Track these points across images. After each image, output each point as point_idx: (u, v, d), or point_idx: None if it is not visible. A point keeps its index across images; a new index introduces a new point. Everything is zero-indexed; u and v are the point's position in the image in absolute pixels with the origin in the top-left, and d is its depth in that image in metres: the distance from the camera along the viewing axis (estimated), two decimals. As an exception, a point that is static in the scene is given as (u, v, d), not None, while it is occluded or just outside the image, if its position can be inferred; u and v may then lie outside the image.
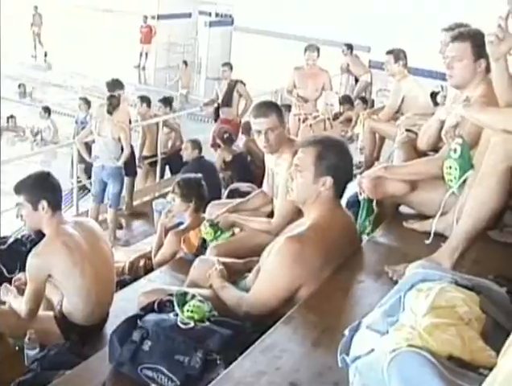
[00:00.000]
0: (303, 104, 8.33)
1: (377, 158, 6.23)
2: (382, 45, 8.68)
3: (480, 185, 2.79)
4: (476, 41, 3.40)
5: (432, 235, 3.20)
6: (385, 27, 13.35)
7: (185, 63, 18.21)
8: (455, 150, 3.02)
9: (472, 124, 3.11)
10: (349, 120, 9.25)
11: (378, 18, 13.71)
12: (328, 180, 2.92)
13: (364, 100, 10.54)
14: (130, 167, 8.25)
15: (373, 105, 10.83)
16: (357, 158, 7.09)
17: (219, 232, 4.23)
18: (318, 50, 8.40)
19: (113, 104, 7.58)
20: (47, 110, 14.36)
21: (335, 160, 2.94)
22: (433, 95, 7.95)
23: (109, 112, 7.56)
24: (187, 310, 2.80)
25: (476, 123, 3.05)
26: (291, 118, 8.24)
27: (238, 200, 4.70)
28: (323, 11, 14.57)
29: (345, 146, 3.10)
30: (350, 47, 12.36)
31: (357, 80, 12.59)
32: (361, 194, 3.54)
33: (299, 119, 7.94)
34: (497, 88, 2.96)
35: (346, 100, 10.44)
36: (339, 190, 3.00)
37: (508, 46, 2.83)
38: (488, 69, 3.28)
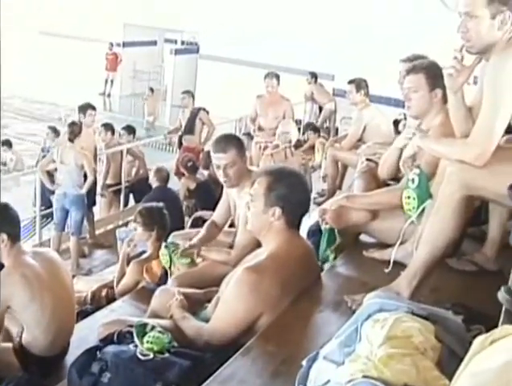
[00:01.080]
0: (263, 132, 8.37)
1: (340, 187, 6.29)
2: (346, 73, 8.79)
3: (436, 214, 2.83)
4: (430, 72, 3.49)
5: (392, 263, 3.22)
6: (349, 55, 13.50)
7: (151, 90, 18.23)
8: (413, 180, 3.06)
9: (429, 154, 3.17)
10: (313, 147, 9.33)
11: (342, 46, 13.86)
12: (277, 210, 2.95)
13: (315, 129, 10.59)
14: (89, 196, 8.21)
15: (337, 133, 10.95)
16: (320, 186, 7.17)
17: (174, 255, 4.18)
18: (278, 77, 8.43)
19: (74, 132, 7.56)
20: (7, 143, 14.19)
21: (284, 191, 2.97)
22: (396, 123, 8.07)
23: (71, 140, 7.54)
24: (147, 341, 2.79)
25: (432, 153, 3.11)
26: (252, 146, 8.27)
27: (195, 231, 4.71)
28: (287, 39, 14.69)
29: (298, 177, 3.14)
30: (314, 75, 12.47)
31: (321, 109, 12.68)
32: (322, 222, 3.57)
33: (260, 147, 7.97)
34: (454, 119, 3.01)
35: (310, 128, 10.53)
36: (292, 220, 3.02)
37: (465, 78, 2.89)
38: (445, 99, 3.34)
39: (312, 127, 10.65)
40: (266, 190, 2.97)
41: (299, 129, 10.85)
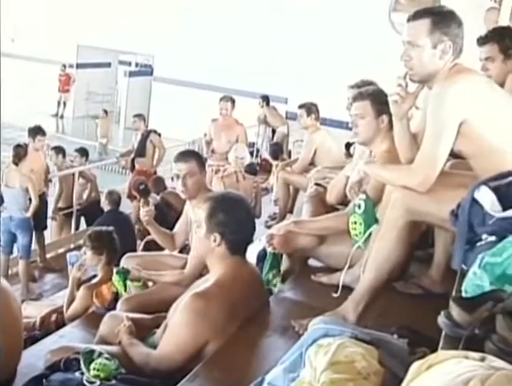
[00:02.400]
0: (215, 155, 8.39)
1: (291, 210, 6.33)
2: (300, 96, 8.86)
3: (381, 240, 2.88)
4: (376, 99, 3.55)
5: (340, 288, 3.26)
6: (302, 78, 13.62)
7: (105, 112, 18.12)
8: (359, 206, 3.11)
9: (375, 179, 3.22)
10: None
11: (296, 69, 13.98)
12: (218, 237, 2.96)
13: (273, 152, 10.63)
14: (39, 219, 8.12)
15: (290, 156, 11.01)
16: (272, 209, 7.21)
17: (127, 280, 4.18)
18: (233, 101, 8.48)
19: (19, 155, 7.50)
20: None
21: (223, 217, 2.97)
22: (348, 145, 8.16)
23: (15, 163, 7.47)
24: (94, 369, 2.77)
25: (377, 179, 3.17)
26: (207, 169, 8.28)
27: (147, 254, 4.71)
28: (242, 62, 14.77)
29: (240, 203, 3.14)
30: (266, 98, 12.55)
31: (274, 132, 12.76)
32: (269, 247, 3.59)
33: (212, 170, 8.00)
34: (399, 146, 3.07)
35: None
36: (234, 246, 3.02)
37: (409, 104, 2.96)
38: (391, 125, 3.39)
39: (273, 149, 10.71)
40: (207, 216, 2.99)
41: (251, 152, 10.93)
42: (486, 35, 4.07)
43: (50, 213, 9.04)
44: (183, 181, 4.04)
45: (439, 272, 3.38)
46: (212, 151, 8.48)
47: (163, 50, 16.63)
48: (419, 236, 3.54)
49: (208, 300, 2.82)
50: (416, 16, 2.84)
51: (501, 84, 3.91)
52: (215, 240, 2.97)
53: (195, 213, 4.02)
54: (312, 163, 6.52)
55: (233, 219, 3.02)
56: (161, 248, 4.97)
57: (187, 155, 4.17)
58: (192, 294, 2.87)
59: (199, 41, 15.54)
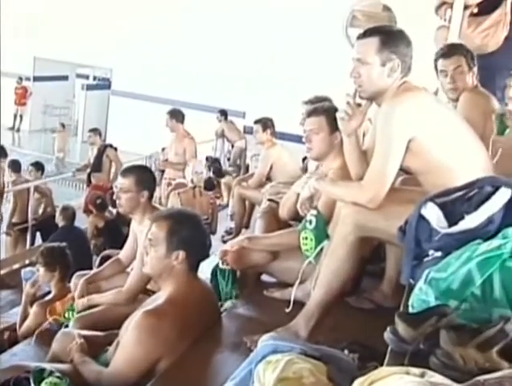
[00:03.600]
0: (169, 168, 8.39)
1: (247, 225, 6.33)
2: (257, 110, 8.90)
3: (331, 255, 2.90)
4: (330, 115, 3.58)
5: (292, 303, 3.27)
6: (260, 93, 13.67)
7: (62, 125, 17.96)
8: (310, 222, 3.14)
9: (326, 196, 3.25)
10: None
11: (254, 83, 14.03)
12: (181, 254, 2.95)
13: (215, 170, 10.69)
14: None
15: (247, 171, 11.03)
16: (229, 224, 7.21)
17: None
18: (182, 115, 8.49)
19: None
20: None
21: (187, 234, 2.98)
22: (305, 160, 8.21)
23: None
24: (44, 388, 2.74)
25: (328, 195, 3.20)
26: (162, 182, 8.27)
27: (93, 271, 4.68)
28: (201, 76, 14.78)
29: (198, 219, 3.17)
30: (224, 113, 12.59)
31: (232, 146, 12.79)
32: (223, 263, 3.59)
33: (165, 183, 7.99)
34: (349, 162, 3.11)
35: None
36: (193, 263, 3.04)
37: (358, 122, 3.00)
38: (345, 141, 3.44)
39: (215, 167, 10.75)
40: (167, 233, 2.97)
41: (209, 167, 10.92)
42: (455, 48, 4.16)
43: (4, 228, 8.91)
44: (117, 195, 4.05)
45: (391, 286, 3.41)
46: (165, 163, 8.47)
47: (121, 63, 16.57)
48: (371, 251, 3.58)
49: (159, 317, 2.82)
50: (366, 34, 2.89)
51: (458, 96, 4.01)
52: (177, 258, 2.96)
53: (140, 230, 4.01)
54: (268, 178, 6.55)
55: (195, 235, 3.04)
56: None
57: (127, 171, 4.18)
58: (143, 312, 2.86)
59: (157, 55, 15.52)
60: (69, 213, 7.77)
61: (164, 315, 2.83)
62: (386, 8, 12.06)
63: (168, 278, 2.99)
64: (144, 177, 4.15)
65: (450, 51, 4.10)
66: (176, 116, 8.41)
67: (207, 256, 3.19)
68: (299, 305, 3.20)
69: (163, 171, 8.92)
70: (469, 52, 4.05)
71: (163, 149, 9.05)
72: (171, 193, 6.61)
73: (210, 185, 8.97)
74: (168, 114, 8.45)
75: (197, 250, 3.04)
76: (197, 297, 3.01)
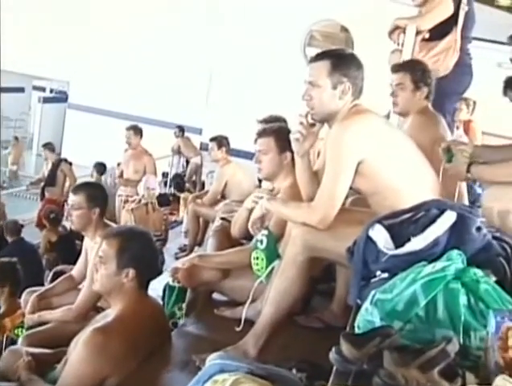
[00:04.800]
0: (125, 185, 8.35)
1: (201, 242, 6.33)
2: (214, 127, 8.90)
3: (281, 275, 2.92)
4: (280, 135, 3.63)
5: (243, 322, 3.28)
6: (217, 110, 13.67)
7: (16, 138, 17.75)
8: (261, 242, 3.16)
9: (277, 216, 3.28)
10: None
11: (211, 100, 14.03)
12: (131, 271, 2.95)
13: (177, 185, 10.69)
14: None
15: (203, 187, 11.02)
16: (183, 241, 7.20)
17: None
18: (139, 130, 8.47)
19: None
20: None
21: (137, 251, 2.98)
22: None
23: None
24: (-12, 406, 2.70)
25: (279, 216, 3.23)
26: (116, 199, 8.22)
27: (44, 287, 4.63)
28: (157, 92, 14.74)
29: (148, 237, 3.16)
30: (182, 129, 12.57)
31: (188, 162, 12.77)
32: (173, 281, 3.59)
33: (121, 200, 7.94)
34: (300, 182, 3.14)
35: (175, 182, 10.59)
36: (144, 280, 3.04)
37: (311, 143, 3.04)
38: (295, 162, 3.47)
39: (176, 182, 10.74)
40: (117, 251, 2.96)
41: (165, 182, 10.90)
42: (401, 64, 4.25)
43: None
44: (68, 211, 4.05)
45: (341, 306, 3.44)
46: (123, 180, 8.43)
47: (79, 77, 16.44)
48: (322, 271, 3.62)
49: (107, 335, 2.80)
50: (317, 58, 2.93)
51: (405, 114, 4.09)
52: (127, 276, 2.96)
53: (91, 247, 4.00)
54: (223, 196, 6.57)
55: (146, 252, 3.04)
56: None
57: (79, 188, 4.19)
58: (91, 329, 2.84)
59: (115, 69, 15.45)
60: (16, 227, 7.65)
61: (113, 333, 2.81)
62: (344, 29, 12.30)
63: (118, 296, 2.98)
64: (95, 194, 4.14)
65: (396, 67, 4.19)
66: (139, 132, 8.41)
67: (158, 273, 3.19)
68: (250, 324, 3.20)
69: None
70: (419, 71, 4.11)
71: (119, 164, 9.00)
72: (124, 209, 6.59)
73: (165, 200, 8.95)
74: (132, 130, 8.42)
75: (147, 268, 3.04)
76: (147, 315, 3.00)
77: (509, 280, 2.30)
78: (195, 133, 13.50)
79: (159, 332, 3.13)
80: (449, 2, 4.60)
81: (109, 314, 2.97)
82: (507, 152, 3.26)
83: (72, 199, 4.06)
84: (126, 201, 7.63)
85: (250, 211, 3.70)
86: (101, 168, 10.13)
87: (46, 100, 20.11)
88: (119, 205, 7.92)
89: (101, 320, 2.97)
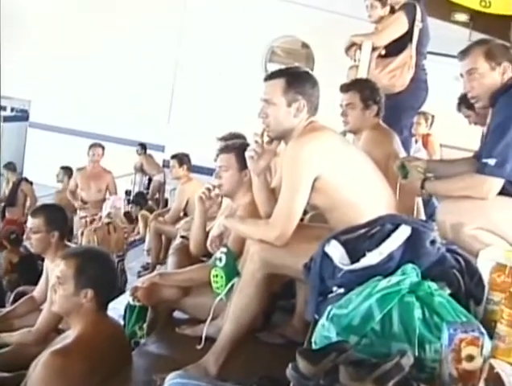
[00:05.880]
0: (87, 206, 8.26)
1: (164, 260, 6.31)
2: (177, 144, 8.88)
3: (240, 292, 2.94)
4: (240, 152, 3.63)
5: (203, 340, 3.28)
6: (179, 127, 13.65)
7: (-26, 157, 17.52)
8: (220, 259, 3.16)
9: (236, 233, 3.29)
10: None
11: (173, 117, 14.02)
12: (89, 292, 2.94)
13: (138, 203, 10.65)
14: None
15: (166, 205, 10.99)
16: (145, 259, 7.17)
17: None
18: (102, 148, 8.42)
19: None
20: None
21: (96, 272, 2.98)
22: (223, 195, 8.24)
23: None
24: None
25: (237, 233, 3.24)
26: (76, 220, 8.14)
27: (5, 309, 4.58)
28: (118, 109, 14.67)
29: (107, 257, 3.16)
30: (144, 146, 12.54)
31: (150, 180, 12.72)
32: (133, 300, 3.57)
33: (86, 221, 7.86)
34: (258, 200, 3.17)
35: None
36: (103, 301, 3.03)
37: (267, 161, 3.06)
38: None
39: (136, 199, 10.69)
40: (75, 271, 2.95)
41: (128, 200, 10.84)
42: (350, 83, 4.30)
43: None
44: (27, 235, 4.03)
45: (301, 321, 3.45)
46: (83, 202, 8.34)
47: (40, 95, 16.32)
48: (283, 286, 3.63)
49: (67, 357, 2.77)
50: (272, 76, 2.97)
51: (357, 132, 4.14)
52: (85, 296, 2.94)
53: (51, 269, 3.98)
54: (186, 213, 6.57)
55: (104, 273, 3.04)
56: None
57: (37, 211, 4.17)
58: (50, 351, 2.82)
59: (76, 87, 15.36)
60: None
61: (72, 355, 2.79)
62: (305, 45, 12.41)
63: (77, 317, 2.97)
64: (55, 216, 4.13)
65: (345, 86, 4.24)
66: (103, 149, 8.37)
67: (119, 293, 3.18)
68: (211, 341, 3.19)
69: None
70: (367, 90, 4.18)
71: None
72: (86, 230, 6.54)
73: (129, 218, 8.90)
74: (99, 147, 8.37)
75: (106, 289, 3.04)
76: (107, 336, 2.98)
77: (464, 292, 2.33)
78: (157, 150, 13.47)
79: (120, 353, 3.11)
80: (404, 19, 4.68)
81: (69, 336, 2.94)
82: (460, 166, 3.33)
83: (31, 222, 4.04)
84: (93, 221, 7.55)
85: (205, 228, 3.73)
86: (67, 171, 10.02)
87: (7, 119, 19.88)
88: (82, 226, 7.83)
89: (60, 342, 2.94)
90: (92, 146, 8.44)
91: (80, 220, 8.19)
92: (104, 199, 8.27)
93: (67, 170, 10.06)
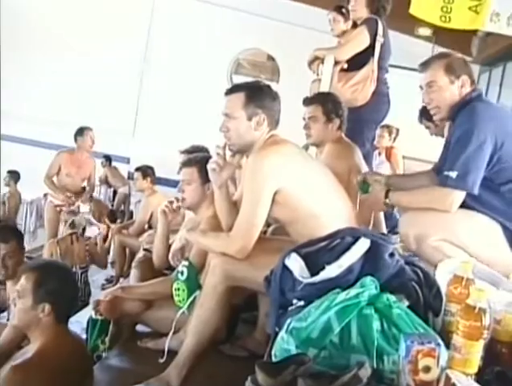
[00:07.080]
0: (70, 194, 7.72)
1: (128, 273, 6.27)
2: (142, 156, 8.84)
3: (202, 305, 2.95)
4: (203, 166, 3.65)
5: (166, 353, 3.27)
6: (144, 139, 13.61)
7: None
8: (182, 273, 3.17)
9: (197, 246, 3.30)
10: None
11: (138, 129, 13.98)
12: (47, 307, 2.92)
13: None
14: None
15: (131, 217, 10.92)
16: (109, 272, 7.11)
17: None
18: None
19: None
20: None
21: (54, 286, 2.95)
22: (188, 208, 8.22)
23: None
24: None
25: (199, 246, 3.25)
26: (48, 207, 7.77)
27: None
28: (82, 120, 14.52)
29: (67, 272, 3.15)
30: (109, 158, 12.46)
31: (115, 192, 12.64)
32: (95, 314, 3.55)
33: (61, 210, 7.44)
34: (219, 213, 3.18)
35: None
36: (62, 315, 3.00)
37: (228, 174, 3.08)
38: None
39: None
40: (33, 285, 2.93)
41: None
42: (312, 97, 4.34)
43: None
44: (2, 262, 3.96)
45: (264, 334, 3.44)
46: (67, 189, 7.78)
47: (10, 106, 16.17)
48: (246, 299, 3.64)
49: (27, 372, 2.74)
50: (233, 90, 3.00)
51: (319, 145, 4.18)
52: (43, 310, 2.92)
53: (19, 283, 3.93)
54: (150, 226, 6.54)
55: (63, 287, 3.01)
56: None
57: (5, 234, 4.09)
58: (11, 367, 2.78)
59: (41, 99, 15.24)
60: None
61: (32, 369, 2.76)
62: (271, 58, 12.48)
63: (36, 331, 2.94)
64: (22, 238, 4.11)
65: (308, 100, 4.29)
66: None
67: (80, 307, 3.16)
68: (174, 354, 3.18)
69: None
70: (330, 103, 4.22)
71: (45, 195, 8.67)
72: (50, 241, 6.45)
73: (113, 218, 8.84)
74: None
75: (65, 303, 3.02)
76: (67, 350, 2.95)
77: (422, 304, 2.36)
78: (122, 162, 13.41)
79: (81, 366, 3.08)
80: (366, 34, 4.72)
81: (29, 350, 2.91)
82: (420, 180, 3.39)
83: (2, 247, 3.97)
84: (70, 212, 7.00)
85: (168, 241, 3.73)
86: (15, 175, 9.89)
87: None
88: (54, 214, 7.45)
89: (20, 356, 2.91)
90: (85, 129, 8.28)
91: (54, 208, 7.65)
92: (84, 189, 7.97)
93: (14, 175, 9.92)
